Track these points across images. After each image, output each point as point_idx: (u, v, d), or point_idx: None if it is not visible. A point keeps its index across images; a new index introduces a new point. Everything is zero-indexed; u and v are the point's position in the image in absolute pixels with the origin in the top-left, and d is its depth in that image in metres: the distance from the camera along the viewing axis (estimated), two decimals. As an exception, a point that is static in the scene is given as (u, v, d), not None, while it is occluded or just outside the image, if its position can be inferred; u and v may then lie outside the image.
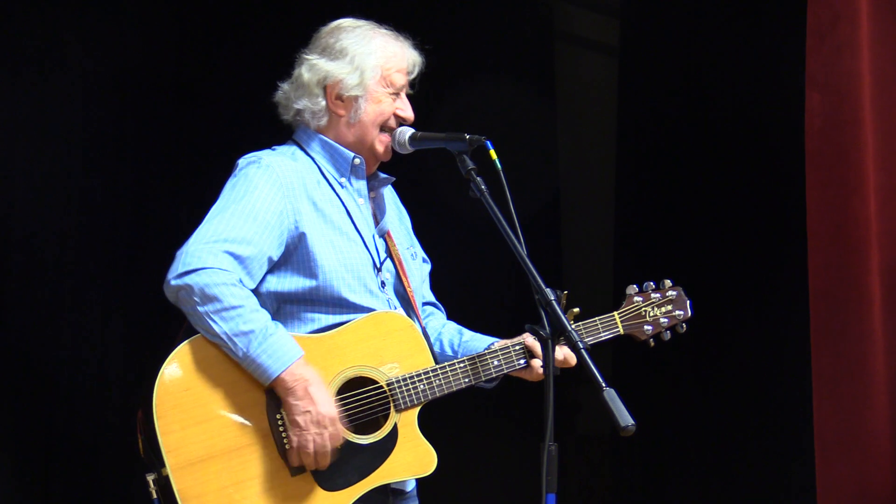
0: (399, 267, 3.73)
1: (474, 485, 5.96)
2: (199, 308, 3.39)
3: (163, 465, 3.38)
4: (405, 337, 3.61)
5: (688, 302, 3.86)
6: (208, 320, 3.39)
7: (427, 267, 3.94)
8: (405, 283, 3.73)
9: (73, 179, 5.27)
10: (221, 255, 3.42)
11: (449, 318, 3.95)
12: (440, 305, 3.97)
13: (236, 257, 3.44)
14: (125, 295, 5.30)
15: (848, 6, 4.76)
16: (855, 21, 4.75)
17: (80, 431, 5.22)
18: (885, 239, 4.76)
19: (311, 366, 3.45)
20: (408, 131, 3.71)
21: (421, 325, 3.71)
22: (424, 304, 3.91)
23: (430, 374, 3.59)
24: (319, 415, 3.41)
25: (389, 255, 3.73)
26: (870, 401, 4.73)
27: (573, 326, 3.28)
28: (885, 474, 4.73)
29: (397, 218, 3.89)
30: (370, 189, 3.78)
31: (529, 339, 3.64)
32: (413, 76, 3.77)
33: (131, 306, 5.29)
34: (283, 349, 3.43)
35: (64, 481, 5.22)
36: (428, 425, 3.67)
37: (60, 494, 5.21)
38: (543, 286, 3.27)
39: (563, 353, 3.59)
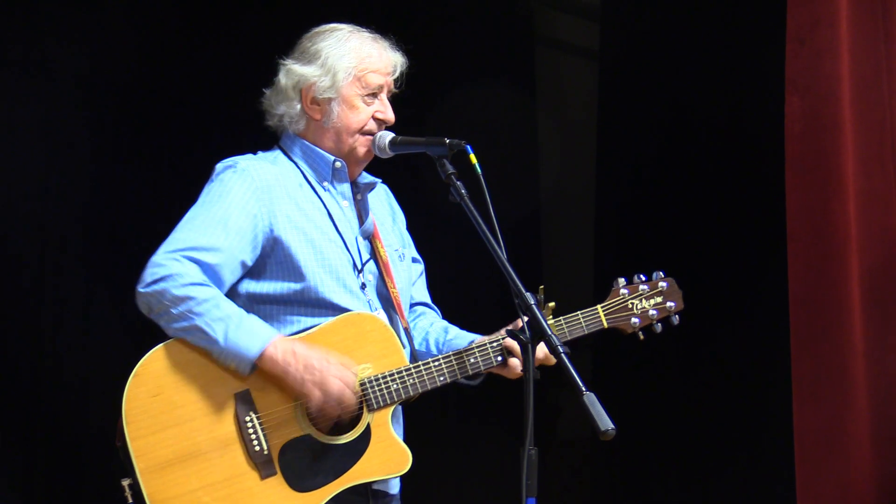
0: (383, 269, 3.73)
1: (455, 489, 5.96)
2: (173, 309, 3.42)
3: (133, 469, 3.39)
4: (378, 337, 3.60)
5: (680, 293, 3.80)
6: (183, 320, 3.41)
7: (419, 267, 3.94)
8: (389, 285, 3.72)
9: (54, 179, 5.25)
10: (186, 262, 3.45)
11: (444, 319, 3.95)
12: (434, 306, 3.96)
13: (201, 265, 3.47)
14: (107, 297, 5.28)
15: (828, 11, 4.77)
16: (835, 25, 4.76)
17: (62, 434, 5.20)
18: (864, 243, 4.77)
19: (291, 338, 3.48)
20: (388, 136, 3.70)
21: (405, 326, 3.70)
22: (417, 304, 3.91)
23: (404, 374, 3.58)
24: (321, 375, 3.43)
25: (373, 256, 3.73)
26: (850, 404, 4.74)
27: (554, 322, 3.28)
28: (865, 478, 4.74)
29: (390, 218, 3.89)
30: (356, 192, 3.78)
31: (508, 340, 3.63)
32: (395, 76, 3.76)
33: (114, 308, 5.26)
34: (260, 328, 3.46)
35: (45, 484, 5.20)
36: (408, 430, 3.66)
37: (42, 497, 5.18)
38: (523, 290, 3.26)
39: (543, 351, 3.58)
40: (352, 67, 3.68)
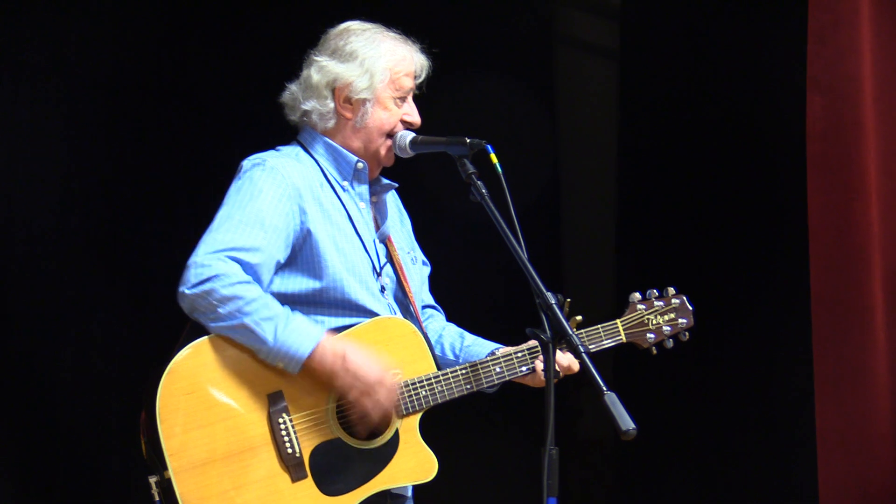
0: (399, 272, 3.73)
1: (475, 489, 5.95)
2: (221, 309, 3.40)
3: (165, 467, 3.38)
4: (408, 343, 3.60)
5: (691, 310, 3.85)
6: (231, 319, 3.40)
7: (427, 269, 3.93)
8: (405, 288, 3.72)
9: (73, 181, 5.26)
10: (230, 262, 3.44)
11: (449, 321, 3.95)
12: (439, 308, 3.96)
13: (245, 265, 3.46)
14: (127, 296, 5.29)
15: (849, 10, 4.76)
16: (856, 25, 4.75)
17: (82, 433, 5.21)
18: (886, 243, 4.76)
19: (339, 337, 3.48)
20: (409, 135, 3.70)
21: (422, 330, 3.70)
22: (424, 306, 3.90)
23: (433, 381, 3.58)
24: (366, 386, 3.45)
25: (390, 260, 3.73)
26: (872, 404, 4.73)
27: (574, 331, 3.27)
28: (887, 477, 4.73)
29: (399, 221, 3.88)
30: (372, 194, 3.78)
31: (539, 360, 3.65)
32: (420, 80, 3.77)
33: (133, 308, 5.27)
34: (308, 327, 3.46)
35: (65, 483, 5.21)
36: (429, 429, 3.67)
37: (61, 497, 5.20)
38: (544, 290, 3.26)
39: (567, 359, 3.60)
40: (387, 69, 3.68)
